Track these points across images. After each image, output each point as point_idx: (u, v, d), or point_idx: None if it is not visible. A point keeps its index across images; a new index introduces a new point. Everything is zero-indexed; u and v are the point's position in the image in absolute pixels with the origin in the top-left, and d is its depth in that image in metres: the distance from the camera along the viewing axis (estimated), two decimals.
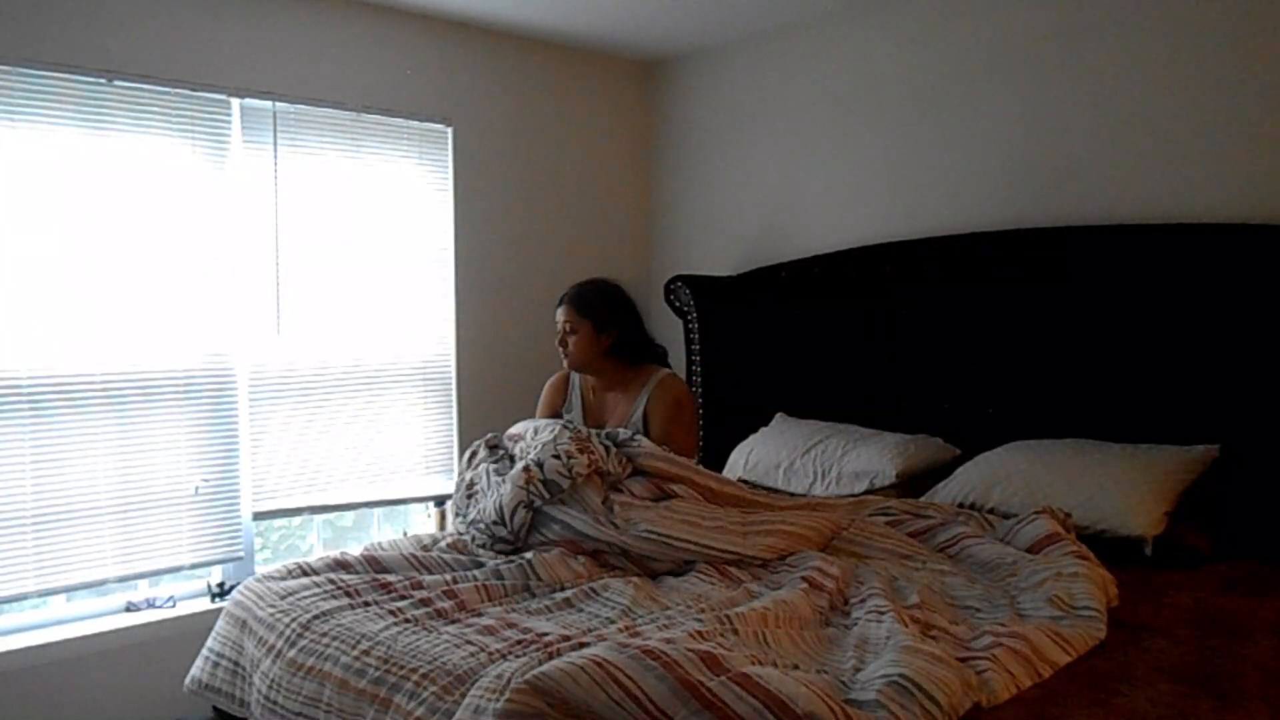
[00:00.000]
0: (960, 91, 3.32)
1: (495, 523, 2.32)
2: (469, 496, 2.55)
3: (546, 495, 2.28)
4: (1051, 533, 2.24)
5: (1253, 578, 2.23)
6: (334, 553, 2.39)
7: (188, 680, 2.23)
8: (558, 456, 2.29)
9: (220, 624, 2.20)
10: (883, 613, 1.82)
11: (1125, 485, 2.44)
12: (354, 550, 2.42)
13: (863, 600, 1.95)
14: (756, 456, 3.31)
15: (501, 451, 2.65)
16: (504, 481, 2.37)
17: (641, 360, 2.86)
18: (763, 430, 3.49)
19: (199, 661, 2.22)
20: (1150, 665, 1.69)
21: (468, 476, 2.61)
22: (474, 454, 2.69)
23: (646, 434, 2.68)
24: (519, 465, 2.38)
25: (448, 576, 2.15)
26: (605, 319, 2.78)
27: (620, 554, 2.21)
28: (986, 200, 3.25)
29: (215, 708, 2.18)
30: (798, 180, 3.85)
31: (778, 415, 3.58)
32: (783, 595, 1.93)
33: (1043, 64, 3.11)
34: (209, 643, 2.21)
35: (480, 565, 2.26)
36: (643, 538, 2.17)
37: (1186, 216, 2.79)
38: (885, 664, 1.53)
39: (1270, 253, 2.57)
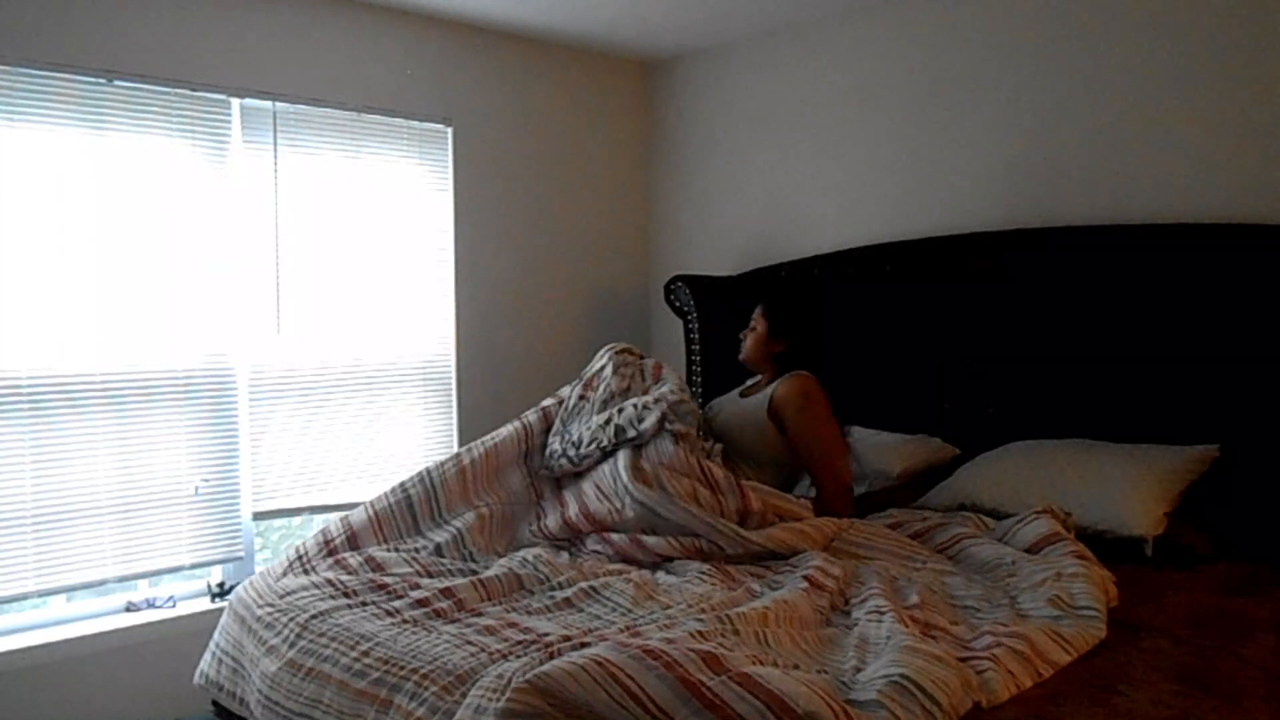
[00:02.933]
0: (960, 91, 3.32)
1: (574, 444, 2.46)
2: (577, 410, 2.62)
3: (613, 439, 2.38)
4: (1051, 532, 2.23)
5: (1253, 578, 2.23)
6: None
7: (196, 675, 2.23)
8: (637, 406, 2.41)
9: (224, 620, 2.21)
10: (883, 613, 1.82)
11: (1125, 485, 2.44)
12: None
13: (863, 600, 1.94)
14: None
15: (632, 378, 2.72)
16: (595, 415, 2.51)
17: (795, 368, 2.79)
18: None
19: (207, 656, 2.22)
20: (1150, 665, 1.69)
21: (604, 380, 2.68)
22: (619, 366, 2.73)
23: (777, 432, 2.64)
24: (615, 406, 2.50)
25: (445, 578, 2.15)
26: (784, 325, 2.80)
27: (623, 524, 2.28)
28: (986, 200, 3.26)
29: (216, 703, 2.18)
30: (798, 180, 3.85)
31: None
32: (784, 595, 1.93)
33: (1043, 64, 3.11)
34: (215, 638, 2.21)
35: (475, 573, 2.25)
36: (640, 502, 2.21)
37: (1187, 216, 2.79)
38: (885, 664, 1.53)
39: (1270, 253, 2.58)
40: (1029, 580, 2.03)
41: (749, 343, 2.87)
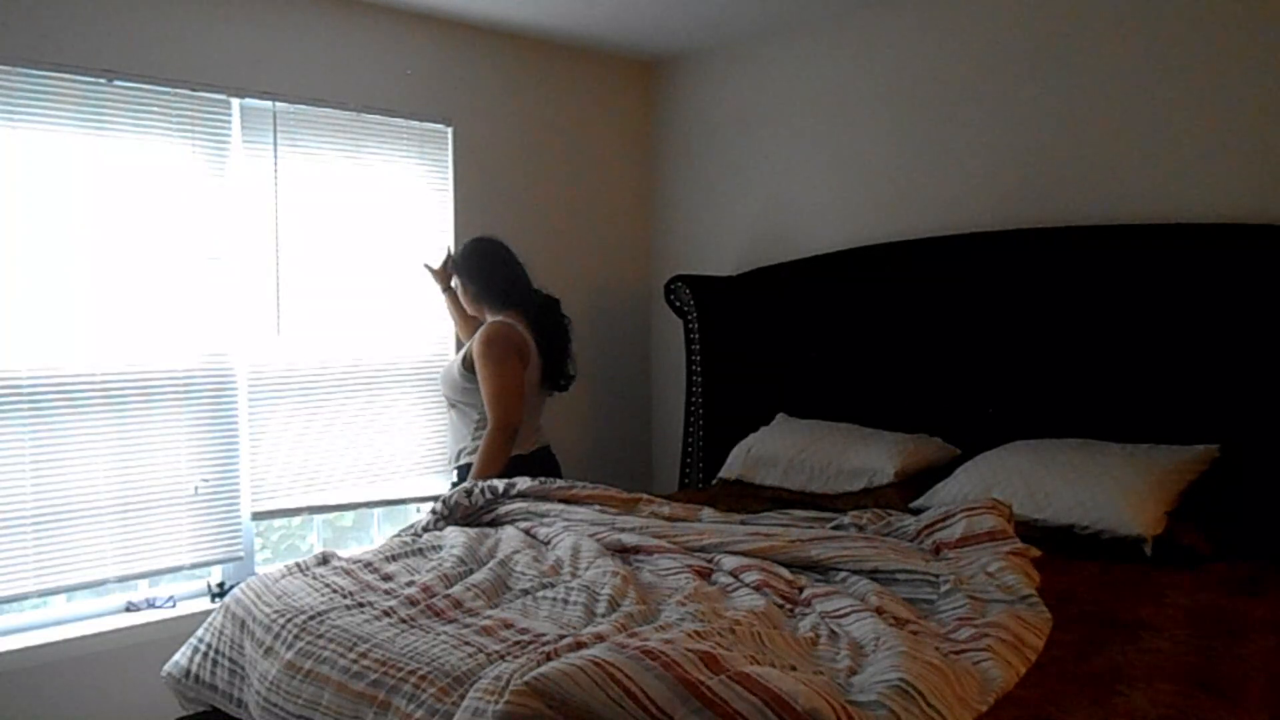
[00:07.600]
0: (960, 92, 3.32)
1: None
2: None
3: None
4: (969, 534, 2.17)
5: (1253, 578, 2.23)
6: (325, 551, 2.40)
7: (169, 665, 2.22)
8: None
9: (216, 619, 2.20)
10: (860, 612, 1.82)
11: (1125, 485, 2.44)
12: (349, 550, 2.43)
13: (816, 596, 1.94)
14: (756, 454, 3.31)
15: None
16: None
17: (503, 309, 3.11)
18: (763, 429, 3.48)
19: (185, 651, 2.21)
20: (1150, 665, 1.69)
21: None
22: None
23: (464, 378, 2.99)
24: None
25: (432, 571, 2.17)
26: (463, 273, 3.15)
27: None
28: (986, 200, 3.25)
29: (213, 706, 2.18)
30: (798, 180, 3.85)
31: (779, 415, 3.58)
32: (758, 608, 1.90)
33: (1042, 64, 3.11)
34: (205, 637, 2.20)
35: (465, 563, 2.25)
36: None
37: (1186, 216, 2.79)
38: (885, 669, 1.53)
39: (1270, 253, 2.57)
40: (952, 602, 1.93)
41: (466, 301, 3.20)
